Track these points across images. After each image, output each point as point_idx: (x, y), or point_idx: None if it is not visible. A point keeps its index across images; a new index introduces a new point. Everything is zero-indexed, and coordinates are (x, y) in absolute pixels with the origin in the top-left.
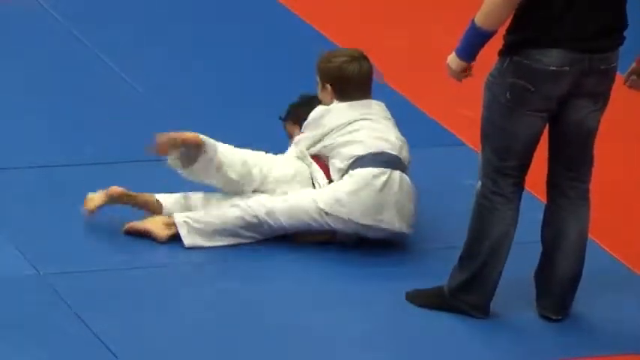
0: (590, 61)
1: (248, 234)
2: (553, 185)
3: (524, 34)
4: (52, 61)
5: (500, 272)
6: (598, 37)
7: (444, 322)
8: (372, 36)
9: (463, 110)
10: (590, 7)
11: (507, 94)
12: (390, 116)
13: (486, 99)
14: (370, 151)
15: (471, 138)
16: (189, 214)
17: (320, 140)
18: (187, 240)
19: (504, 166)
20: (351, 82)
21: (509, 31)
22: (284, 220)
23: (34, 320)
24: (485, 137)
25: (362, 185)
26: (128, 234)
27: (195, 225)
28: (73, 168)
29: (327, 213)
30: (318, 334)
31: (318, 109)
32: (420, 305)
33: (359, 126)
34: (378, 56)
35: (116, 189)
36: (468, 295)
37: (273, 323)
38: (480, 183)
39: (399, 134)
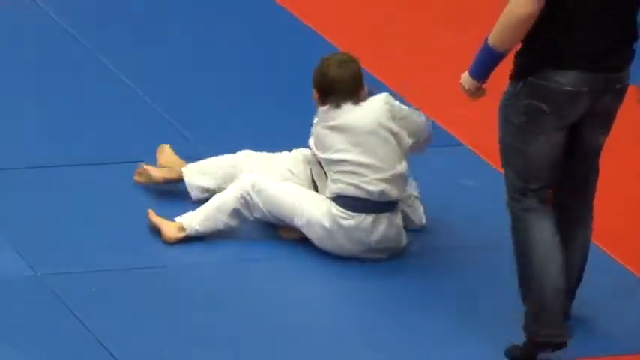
0: (607, 81)
1: (243, 212)
2: (559, 201)
3: (537, 55)
4: (50, 62)
5: (560, 290)
6: (611, 54)
7: (443, 321)
8: (372, 36)
9: (461, 111)
10: (603, 22)
11: (522, 117)
12: (380, 128)
13: (501, 122)
14: (345, 193)
15: (469, 138)
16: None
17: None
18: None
19: (528, 188)
20: (333, 86)
21: (521, 54)
22: (263, 205)
23: (33, 321)
24: (506, 160)
25: (334, 227)
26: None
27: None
28: (71, 168)
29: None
30: (318, 334)
31: (315, 127)
32: (512, 358)
33: (339, 168)
34: (377, 56)
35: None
36: (539, 324)
37: (273, 323)
38: (508, 208)
39: (383, 166)
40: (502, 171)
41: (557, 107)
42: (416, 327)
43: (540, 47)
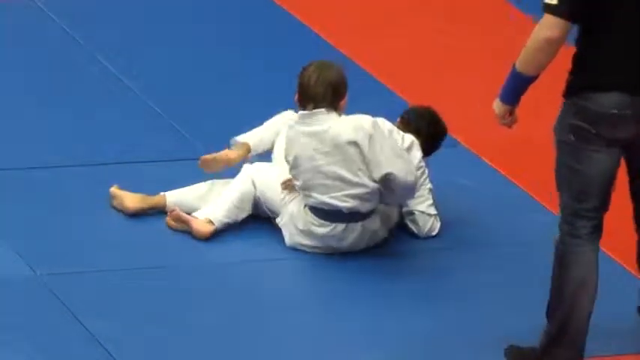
0: None
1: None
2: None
3: (583, 76)
4: (49, 62)
5: (588, 318)
6: None
7: (443, 322)
8: (372, 36)
9: (460, 111)
10: None
11: (571, 136)
12: (354, 142)
13: (555, 141)
14: (316, 206)
15: (467, 139)
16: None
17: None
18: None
19: (581, 208)
20: (303, 90)
21: (570, 73)
22: (260, 193)
23: (31, 322)
24: (561, 181)
25: (306, 230)
26: (173, 221)
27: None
28: (70, 169)
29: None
30: (317, 335)
31: (289, 130)
32: None
33: (302, 173)
34: (377, 56)
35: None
36: (559, 348)
37: (272, 324)
38: (558, 228)
39: (353, 179)
40: (558, 192)
41: (601, 129)
42: (415, 328)
43: (583, 68)
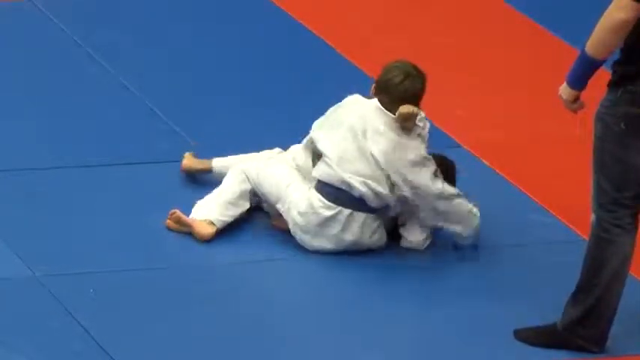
0: None
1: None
2: None
3: (637, 64)
4: (48, 63)
5: (618, 303)
6: None
7: (443, 323)
8: (372, 36)
9: (460, 112)
10: None
11: (622, 124)
12: (378, 131)
13: (598, 130)
14: (327, 181)
15: (467, 140)
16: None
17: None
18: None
19: (622, 197)
20: (388, 91)
21: (621, 62)
22: (255, 185)
23: (30, 322)
24: (600, 168)
25: (309, 213)
26: (174, 223)
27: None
28: (69, 170)
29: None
30: (317, 335)
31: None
32: (534, 344)
33: (338, 140)
34: (376, 57)
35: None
36: (584, 329)
37: (273, 324)
38: (594, 216)
39: (370, 165)
40: (593, 180)
41: None
42: (416, 328)
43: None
